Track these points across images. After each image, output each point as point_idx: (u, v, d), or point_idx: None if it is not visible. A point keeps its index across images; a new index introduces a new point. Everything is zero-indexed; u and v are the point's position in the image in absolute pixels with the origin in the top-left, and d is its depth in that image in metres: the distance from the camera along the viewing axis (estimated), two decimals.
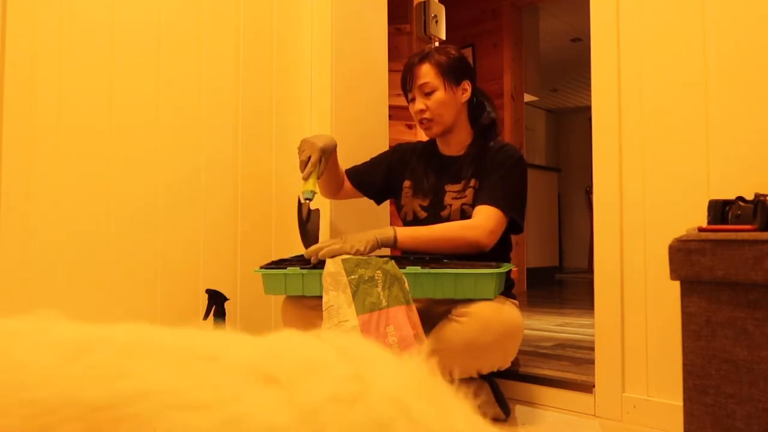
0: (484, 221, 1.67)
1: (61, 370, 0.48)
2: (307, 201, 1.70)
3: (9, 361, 0.49)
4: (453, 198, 1.80)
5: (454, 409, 0.48)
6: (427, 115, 1.81)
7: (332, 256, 1.53)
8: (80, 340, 0.51)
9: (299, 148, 1.76)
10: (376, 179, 2.00)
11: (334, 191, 2.01)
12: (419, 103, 1.82)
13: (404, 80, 1.86)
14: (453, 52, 1.85)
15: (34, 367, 0.49)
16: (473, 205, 1.75)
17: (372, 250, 1.60)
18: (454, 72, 1.81)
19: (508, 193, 1.73)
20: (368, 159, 2.06)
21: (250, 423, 0.42)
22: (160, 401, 0.43)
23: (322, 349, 0.50)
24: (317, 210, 1.74)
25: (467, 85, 1.84)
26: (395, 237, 1.65)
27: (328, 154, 1.77)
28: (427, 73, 1.80)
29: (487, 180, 1.76)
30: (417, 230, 1.69)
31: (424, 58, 1.82)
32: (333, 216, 2.28)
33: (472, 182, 1.79)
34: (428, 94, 1.80)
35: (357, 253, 1.55)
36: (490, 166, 1.77)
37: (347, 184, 2.02)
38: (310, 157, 1.71)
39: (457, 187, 1.81)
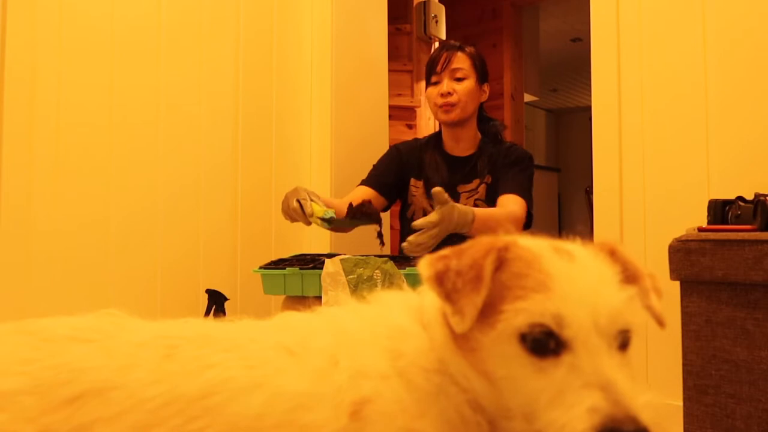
0: (518, 209, 1.68)
1: (163, 368, 0.55)
2: (331, 221, 1.61)
3: (117, 361, 0.55)
4: (467, 198, 1.84)
5: None
6: (453, 98, 1.82)
7: (433, 248, 1.40)
8: (165, 338, 0.59)
9: (283, 210, 1.66)
10: (391, 182, 1.94)
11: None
12: (447, 85, 1.83)
13: (434, 62, 1.87)
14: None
15: (140, 367, 0.55)
16: (486, 200, 1.79)
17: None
18: (482, 71, 1.88)
19: (526, 187, 1.79)
20: (368, 163, 2.02)
21: (283, 389, 0.56)
22: (234, 386, 0.55)
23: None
24: (343, 220, 1.64)
25: (486, 88, 1.90)
26: (473, 218, 1.52)
27: (309, 191, 1.67)
28: (463, 61, 1.85)
29: (506, 174, 1.79)
30: (485, 212, 1.62)
31: (461, 47, 1.87)
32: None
33: (486, 178, 1.84)
34: (459, 80, 1.83)
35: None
36: (505, 163, 1.82)
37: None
38: (298, 201, 1.61)
39: (471, 186, 1.85)
